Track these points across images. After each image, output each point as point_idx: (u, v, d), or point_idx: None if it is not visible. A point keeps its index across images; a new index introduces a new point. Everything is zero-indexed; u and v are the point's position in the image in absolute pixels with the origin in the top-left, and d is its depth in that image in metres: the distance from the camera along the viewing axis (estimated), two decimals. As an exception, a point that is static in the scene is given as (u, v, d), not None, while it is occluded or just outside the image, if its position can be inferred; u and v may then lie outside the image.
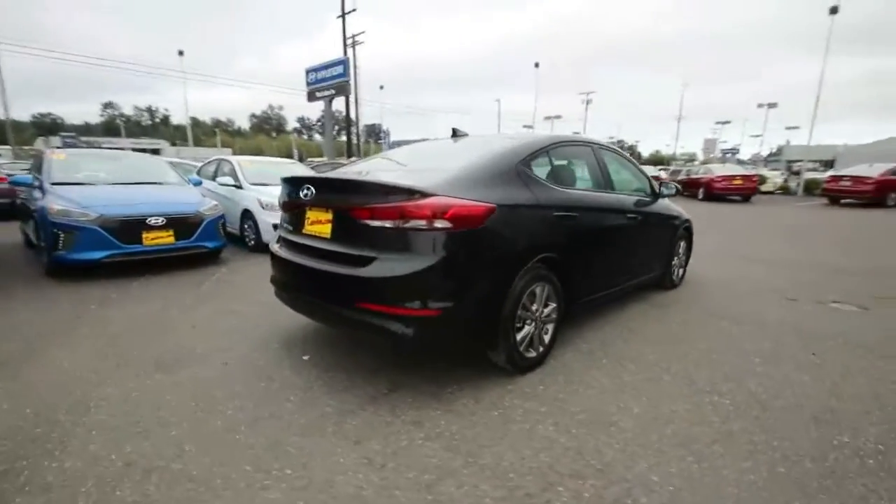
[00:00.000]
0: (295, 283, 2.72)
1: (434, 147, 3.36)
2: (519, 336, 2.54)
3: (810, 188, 19.85)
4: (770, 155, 64.50)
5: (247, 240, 6.73)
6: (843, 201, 15.81)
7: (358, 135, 31.51)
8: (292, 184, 2.77)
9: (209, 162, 8.45)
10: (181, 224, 5.13)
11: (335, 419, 2.17)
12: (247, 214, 6.64)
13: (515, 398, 2.40)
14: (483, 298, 2.32)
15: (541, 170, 2.80)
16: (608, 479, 1.78)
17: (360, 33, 28.22)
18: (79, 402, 2.31)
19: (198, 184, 6.57)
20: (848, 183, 15.19)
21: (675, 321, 3.67)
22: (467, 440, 2.02)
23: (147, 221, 4.87)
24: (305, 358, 2.87)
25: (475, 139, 3.24)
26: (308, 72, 25.60)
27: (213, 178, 7.52)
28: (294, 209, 2.81)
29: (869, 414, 2.28)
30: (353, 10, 26.02)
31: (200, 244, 5.34)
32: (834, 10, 18.22)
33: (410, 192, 2.16)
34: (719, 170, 18.03)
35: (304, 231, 2.65)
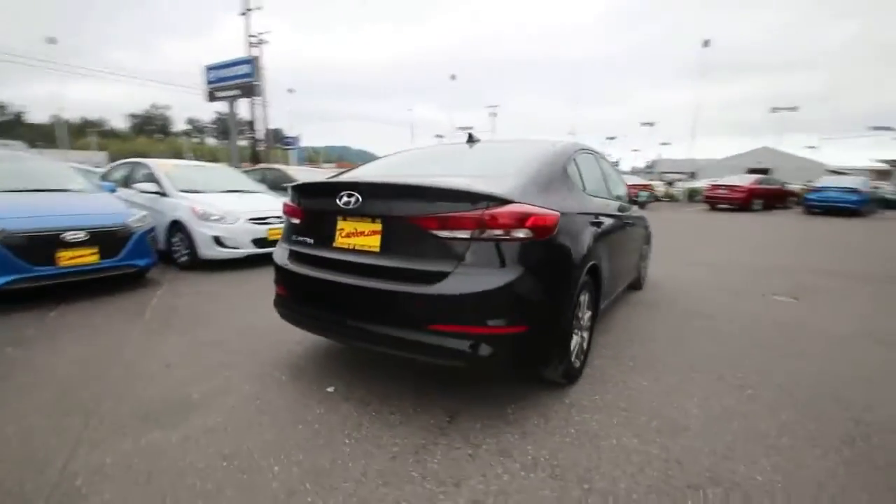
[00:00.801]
0: (327, 305, 2.35)
1: (457, 151, 3.16)
2: (571, 346, 2.47)
3: (692, 195, 22.87)
4: (645, 167, 73.87)
5: (176, 255, 5.82)
6: (719, 206, 18.43)
7: (268, 139, 29.41)
8: (315, 191, 2.41)
9: (117, 166, 7.20)
10: (107, 239, 4.26)
11: (412, 459, 1.89)
12: (176, 226, 5.76)
13: (582, 412, 2.31)
14: (558, 311, 2.21)
15: (575, 177, 2.77)
16: (722, 485, 1.77)
17: (264, 32, 26.46)
18: (61, 478, 1.73)
19: (112, 191, 5.55)
20: (724, 191, 17.74)
21: (664, 321, 3.88)
22: (567, 465, 1.88)
23: (62, 237, 3.95)
24: (330, 390, 2.50)
25: (499, 144, 3.12)
26: (209, 70, 23.42)
27: (126, 185, 6.43)
28: (312, 220, 2.45)
29: (872, 393, 2.58)
30: (259, 7, 24.38)
31: (130, 263, 4.48)
32: (706, 44, 21.41)
33: (490, 199, 1.97)
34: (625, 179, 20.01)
35: (335, 245, 2.31)
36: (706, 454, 1.97)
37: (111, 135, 77.08)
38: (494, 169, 2.48)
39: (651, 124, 43.93)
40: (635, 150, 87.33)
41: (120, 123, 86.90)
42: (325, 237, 2.36)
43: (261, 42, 26.50)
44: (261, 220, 5.94)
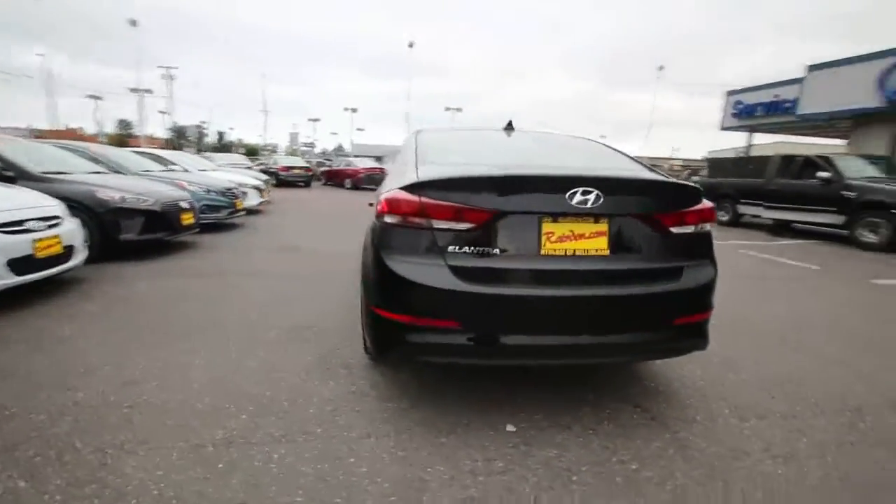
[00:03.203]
0: (539, 327, 1.90)
1: (524, 139, 2.88)
2: None
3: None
4: (336, 149, 77.78)
5: None
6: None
7: None
8: (517, 186, 1.92)
9: None
10: None
11: (679, 455, 1.93)
12: None
13: (663, 364, 2.75)
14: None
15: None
16: (793, 382, 2.61)
17: None
18: None
19: None
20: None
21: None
22: (726, 407, 2.33)
23: None
24: (511, 429, 2.06)
25: (555, 135, 3.14)
26: None
27: None
28: (501, 223, 1.90)
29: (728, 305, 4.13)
30: None
31: None
32: (411, 45, 24.65)
33: (701, 195, 2.12)
34: (360, 163, 21.15)
35: (543, 252, 1.89)
36: (766, 370, 2.81)
37: None
38: (616, 162, 2.55)
39: (354, 110, 46.86)
40: (334, 133, 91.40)
41: None
42: (525, 244, 1.91)
43: None
44: (15, 228, 3.46)
